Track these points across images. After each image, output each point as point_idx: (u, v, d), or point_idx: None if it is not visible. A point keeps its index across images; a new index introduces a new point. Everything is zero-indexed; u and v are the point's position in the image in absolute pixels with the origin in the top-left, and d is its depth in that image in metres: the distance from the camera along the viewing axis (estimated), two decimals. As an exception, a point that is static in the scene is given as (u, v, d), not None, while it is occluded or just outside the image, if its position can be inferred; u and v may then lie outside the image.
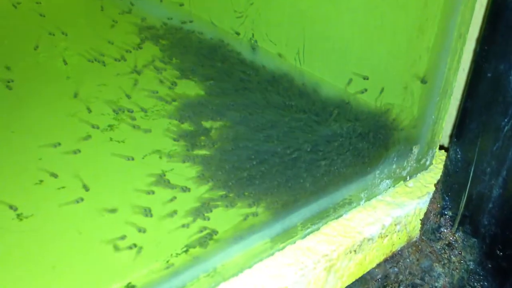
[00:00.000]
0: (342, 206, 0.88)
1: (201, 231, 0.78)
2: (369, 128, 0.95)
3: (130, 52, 1.25)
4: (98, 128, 0.99)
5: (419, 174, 0.99)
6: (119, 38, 1.30)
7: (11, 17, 1.41)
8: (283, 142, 0.94)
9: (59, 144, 0.94)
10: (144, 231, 0.78)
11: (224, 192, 0.85)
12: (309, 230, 0.83)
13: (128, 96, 1.08)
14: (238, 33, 1.26)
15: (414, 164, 0.97)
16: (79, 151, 0.94)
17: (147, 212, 0.81)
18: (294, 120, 0.99)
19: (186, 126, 1.01)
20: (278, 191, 0.84)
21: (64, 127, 1.00)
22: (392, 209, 0.90)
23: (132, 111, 1.04)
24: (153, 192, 0.84)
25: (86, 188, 0.85)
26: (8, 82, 1.09)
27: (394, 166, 0.94)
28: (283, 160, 0.90)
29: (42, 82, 1.14)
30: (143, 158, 0.93)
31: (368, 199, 0.92)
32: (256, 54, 1.22)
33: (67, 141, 0.95)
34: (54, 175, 0.87)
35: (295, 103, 1.04)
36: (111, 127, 1.00)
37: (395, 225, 0.90)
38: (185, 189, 0.86)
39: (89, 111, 1.04)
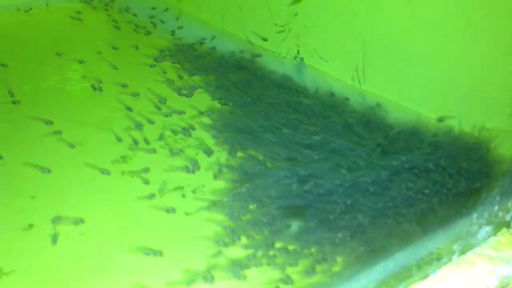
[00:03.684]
0: (428, 262, 0.75)
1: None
2: (461, 159, 0.82)
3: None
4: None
5: (528, 218, 0.87)
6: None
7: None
8: (339, 175, 0.80)
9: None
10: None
11: (251, 251, 0.69)
12: (382, 298, 0.72)
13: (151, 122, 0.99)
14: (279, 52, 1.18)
15: (522, 205, 0.85)
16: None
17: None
18: (357, 148, 0.85)
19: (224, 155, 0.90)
20: (332, 242, 0.70)
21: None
22: (497, 266, 0.77)
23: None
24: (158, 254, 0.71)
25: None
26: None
27: (495, 208, 0.81)
28: (339, 199, 0.76)
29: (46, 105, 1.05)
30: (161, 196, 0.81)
31: (463, 252, 0.78)
32: (303, 74, 1.13)
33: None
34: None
35: (358, 128, 0.92)
36: (124, 158, 0.89)
37: (503, 288, 0.77)
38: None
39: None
